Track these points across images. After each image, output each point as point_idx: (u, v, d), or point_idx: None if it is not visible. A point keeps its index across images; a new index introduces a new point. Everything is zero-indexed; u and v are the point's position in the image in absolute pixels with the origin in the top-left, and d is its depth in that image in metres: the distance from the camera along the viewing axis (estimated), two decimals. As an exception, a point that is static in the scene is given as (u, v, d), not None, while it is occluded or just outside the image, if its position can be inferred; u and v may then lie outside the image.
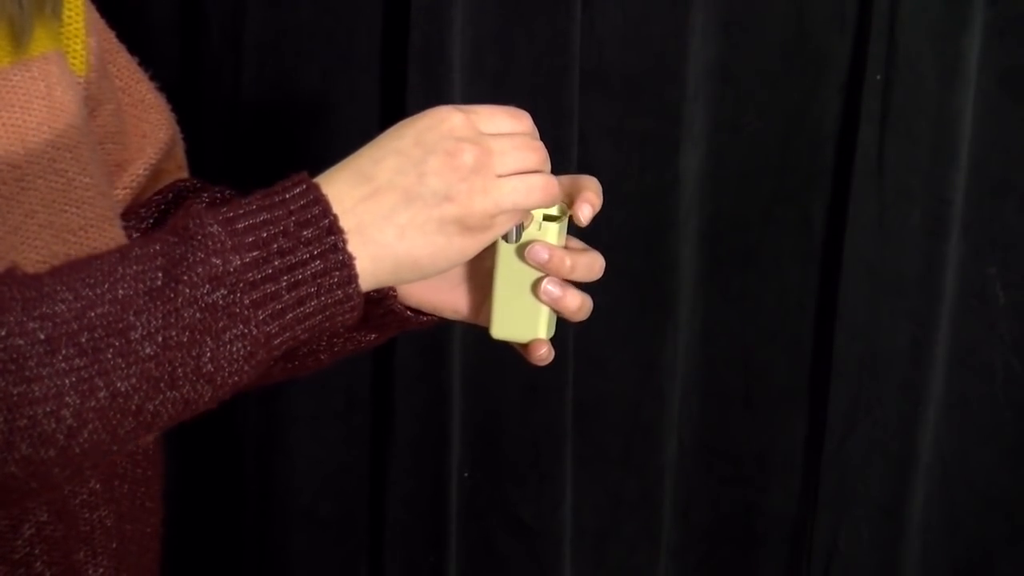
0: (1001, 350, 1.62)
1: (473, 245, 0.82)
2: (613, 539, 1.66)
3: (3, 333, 0.71)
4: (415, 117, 0.82)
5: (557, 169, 1.58)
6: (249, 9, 1.49)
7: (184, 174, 1.11)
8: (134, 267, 0.74)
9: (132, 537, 0.93)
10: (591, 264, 0.92)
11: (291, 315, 0.76)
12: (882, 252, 1.57)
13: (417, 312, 0.98)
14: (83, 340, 0.72)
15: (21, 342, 0.71)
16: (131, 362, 0.73)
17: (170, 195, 1.06)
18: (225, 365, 0.75)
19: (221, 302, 0.74)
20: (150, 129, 1.06)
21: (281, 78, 1.51)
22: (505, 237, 0.88)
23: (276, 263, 0.76)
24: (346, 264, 0.77)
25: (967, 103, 1.53)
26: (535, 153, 0.84)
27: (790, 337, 1.63)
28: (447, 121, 0.81)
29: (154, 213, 1.05)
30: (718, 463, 1.67)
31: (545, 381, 1.56)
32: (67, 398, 0.72)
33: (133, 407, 0.74)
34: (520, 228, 0.89)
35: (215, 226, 0.75)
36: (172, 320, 0.73)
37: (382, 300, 0.95)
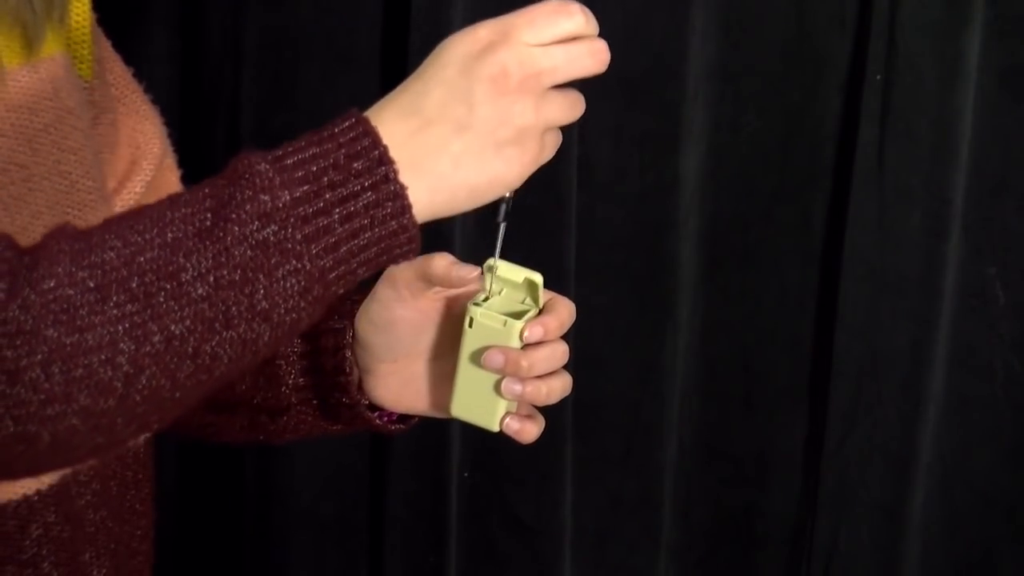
0: (1001, 350, 1.62)
1: (529, 166, 0.80)
2: (613, 539, 1.66)
3: (52, 284, 0.71)
4: (454, 40, 0.80)
5: (557, 168, 1.57)
6: (249, 9, 1.49)
7: (174, 188, 1.09)
8: (183, 210, 0.74)
9: (122, 539, 0.94)
10: (551, 357, 0.90)
11: (345, 248, 0.75)
12: (882, 252, 1.57)
13: (390, 419, 0.98)
14: (134, 286, 0.72)
15: (71, 292, 0.71)
16: (183, 304, 0.72)
17: None
18: (280, 302, 0.74)
19: (272, 238, 0.73)
20: (144, 141, 1.05)
21: (281, 78, 1.51)
22: (473, 301, 0.88)
23: (327, 196, 0.75)
24: (399, 195, 0.76)
25: (967, 103, 1.53)
26: (589, 58, 0.83)
27: (790, 337, 1.63)
28: (485, 43, 0.79)
29: None
30: (718, 463, 1.67)
31: (545, 381, 1.56)
32: (121, 344, 0.71)
33: (189, 350, 0.73)
34: (476, 304, 0.88)
35: (263, 164, 0.74)
36: (223, 259, 0.73)
37: (354, 407, 0.96)
